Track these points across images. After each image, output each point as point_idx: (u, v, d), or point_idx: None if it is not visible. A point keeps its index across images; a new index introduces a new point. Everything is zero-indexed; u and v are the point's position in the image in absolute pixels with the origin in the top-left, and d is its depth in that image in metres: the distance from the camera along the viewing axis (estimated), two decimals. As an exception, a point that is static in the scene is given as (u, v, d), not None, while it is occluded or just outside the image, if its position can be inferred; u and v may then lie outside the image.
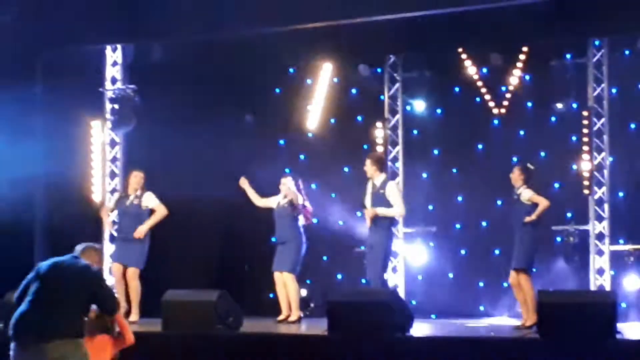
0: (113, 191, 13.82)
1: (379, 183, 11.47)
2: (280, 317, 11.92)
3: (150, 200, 12.15)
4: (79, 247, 7.14)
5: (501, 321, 12.71)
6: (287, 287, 11.88)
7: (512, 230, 11.22)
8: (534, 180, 11.31)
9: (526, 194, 11.11)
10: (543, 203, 11.03)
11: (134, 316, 12.09)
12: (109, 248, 13.72)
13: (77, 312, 6.81)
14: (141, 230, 11.95)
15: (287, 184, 11.97)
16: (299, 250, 11.91)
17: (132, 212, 12.21)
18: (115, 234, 13.08)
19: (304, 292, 14.02)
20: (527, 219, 10.98)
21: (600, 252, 12.89)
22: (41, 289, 6.74)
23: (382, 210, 11.31)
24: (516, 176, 11.26)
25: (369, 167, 11.54)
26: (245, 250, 12.64)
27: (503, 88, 13.39)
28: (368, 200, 11.49)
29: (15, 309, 6.82)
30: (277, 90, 14.78)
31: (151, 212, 12.19)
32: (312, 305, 13.85)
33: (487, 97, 13.45)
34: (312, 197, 13.85)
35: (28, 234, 13.15)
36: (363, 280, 12.21)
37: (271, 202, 12.08)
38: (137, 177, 12.27)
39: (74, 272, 6.88)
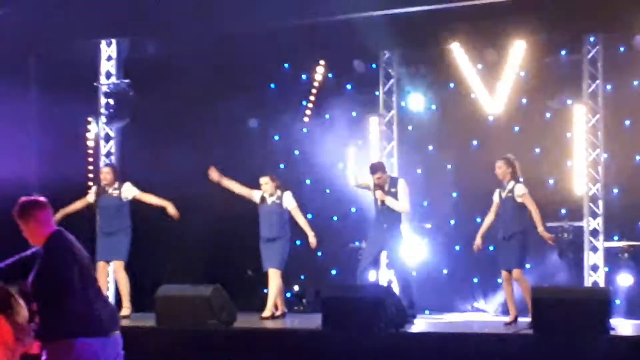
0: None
1: (387, 185, 11.64)
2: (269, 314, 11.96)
3: (130, 191, 12.17)
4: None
5: (495, 317, 12.72)
6: (269, 282, 11.91)
7: (504, 227, 11.18)
8: (520, 173, 11.33)
9: (519, 190, 11.08)
10: (536, 208, 11.03)
11: (126, 310, 12.06)
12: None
13: None
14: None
15: (270, 183, 11.97)
16: (286, 247, 11.97)
17: (113, 206, 12.22)
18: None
19: (296, 287, 14.05)
20: (541, 232, 11.00)
21: (594, 249, 12.89)
22: (93, 274, 6.17)
23: (390, 200, 11.51)
24: (504, 171, 11.22)
25: (382, 175, 11.66)
26: (240, 245, 12.61)
27: (498, 84, 13.38)
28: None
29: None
30: (272, 86, 14.77)
31: (131, 203, 12.20)
32: (305, 300, 13.85)
33: (482, 93, 13.44)
34: (306, 192, 13.89)
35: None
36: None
37: (254, 196, 12.09)
38: (103, 174, 12.38)
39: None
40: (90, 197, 12.58)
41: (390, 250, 11.63)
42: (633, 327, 10.90)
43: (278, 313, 11.98)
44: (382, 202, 11.57)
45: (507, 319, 11.20)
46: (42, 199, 6.17)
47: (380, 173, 11.66)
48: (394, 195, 11.61)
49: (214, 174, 12.09)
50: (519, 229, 11.00)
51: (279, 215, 11.94)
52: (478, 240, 11.35)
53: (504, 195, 11.19)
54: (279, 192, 11.97)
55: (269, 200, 11.96)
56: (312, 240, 11.94)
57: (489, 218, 11.34)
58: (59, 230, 6.07)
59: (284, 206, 11.94)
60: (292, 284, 14.12)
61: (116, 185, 12.23)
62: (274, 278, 11.84)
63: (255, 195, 12.03)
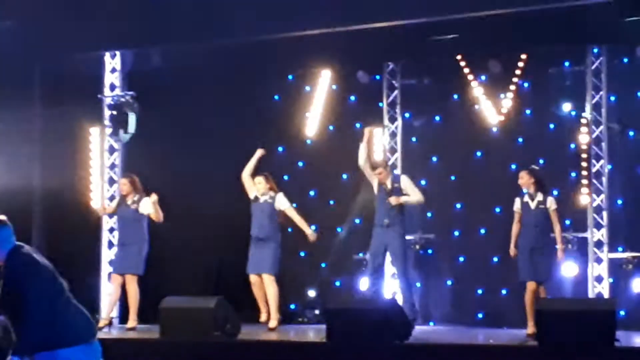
0: (111, 198, 13.80)
1: (389, 182, 11.68)
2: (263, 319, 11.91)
3: (147, 206, 12.12)
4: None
5: (500, 329, 12.69)
6: (266, 289, 11.87)
7: (534, 237, 11.22)
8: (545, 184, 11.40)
9: (552, 204, 11.21)
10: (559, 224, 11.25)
11: (132, 322, 12.07)
12: (106, 255, 13.71)
13: None
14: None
15: (263, 182, 12.00)
16: (278, 251, 11.95)
17: (129, 217, 12.23)
18: (114, 240, 13.21)
19: (312, 294, 14.07)
20: (561, 248, 11.21)
21: (598, 260, 12.87)
22: (61, 284, 6.14)
23: (405, 198, 11.64)
24: (526, 181, 11.27)
25: (384, 171, 11.74)
26: (245, 257, 12.58)
27: (502, 95, 13.39)
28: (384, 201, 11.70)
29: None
30: (276, 97, 14.79)
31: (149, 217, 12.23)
32: (317, 311, 13.81)
33: (486, 104, 13.45)
34: (310, 203, 13.89)
35: (25, 242, 13.10)
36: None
37: (251, 190, 12.11)
38: (120, 184, 12.53)
39: None
40: (113, 204, 12.73)
41: (393, 248, 11.59)
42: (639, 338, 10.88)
43: (264, 318, 11.92)
44: (388, 201, 11.57)
45: (527, 330, 11.08)
46: (0, 217, 6.22)
47: (382, 169, 11.74)
48: (398, 191, 11.65)
49: (261, 152, 12.25)
50: (549, 240, 11.15)
51: (270, 215, 11.96)
52: (513, 250, 11.32)
53: (532, 205, 11.23)
54: (272, 193, 12.01)
55: (262, 199, 12.01)
56: (311, 234, 11.90)
57: (517, 227, 11.35)
58: (17, 246, 6.13)
59: (276, 207, 11.97)
60: (296, 296, 14.11)
61: (136, 197, 12.22)
62: (270, 284, 11.81)
63: (252, 192, 12.09)
